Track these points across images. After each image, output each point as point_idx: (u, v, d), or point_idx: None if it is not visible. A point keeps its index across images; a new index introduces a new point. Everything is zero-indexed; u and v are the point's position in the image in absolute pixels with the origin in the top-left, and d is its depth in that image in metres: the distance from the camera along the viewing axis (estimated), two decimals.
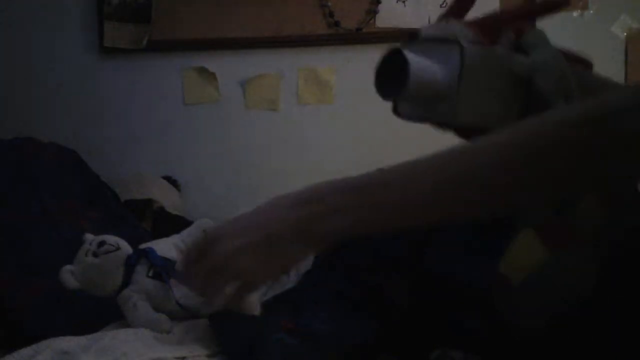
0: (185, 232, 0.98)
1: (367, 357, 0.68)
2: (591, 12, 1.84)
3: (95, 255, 0.87)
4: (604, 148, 0.47)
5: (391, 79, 0.65)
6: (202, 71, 1.91)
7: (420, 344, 0.68)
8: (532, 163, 0.49)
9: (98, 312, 0.93)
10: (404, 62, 0.63)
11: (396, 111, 0.72)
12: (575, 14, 1.85)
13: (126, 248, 0.92)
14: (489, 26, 0.73)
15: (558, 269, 0.59)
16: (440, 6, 1.84)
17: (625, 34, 1.83)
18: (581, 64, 0.72)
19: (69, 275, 0.86)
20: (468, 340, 0.66)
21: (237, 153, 1.93)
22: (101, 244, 0.89)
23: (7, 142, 1.31)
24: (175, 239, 0.96)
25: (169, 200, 1.70)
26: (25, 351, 0.65)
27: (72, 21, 1.92)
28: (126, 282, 0.90)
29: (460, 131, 0.72)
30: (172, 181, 1.85)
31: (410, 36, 0.70)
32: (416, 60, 0.64)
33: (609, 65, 1.84)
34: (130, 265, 0.90)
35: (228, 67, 1.91)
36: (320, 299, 0.60)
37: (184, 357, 0.61)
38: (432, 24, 0.72)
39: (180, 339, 0.68)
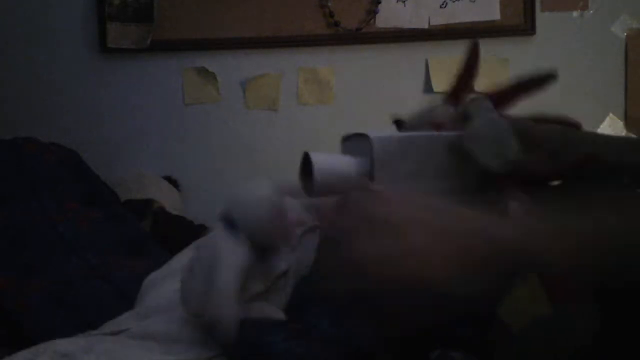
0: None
1: (367, 358, 0.68)
2: (591, 12, 1.84)
3: None
4: None
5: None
6: (202, 71, 1.91)
7: (420, 344, 0.68)
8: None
9: (98, 312, 0.93)
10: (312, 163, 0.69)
11: None
12: (575, 14, 1.85)
13: None
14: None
15: (560, 320, 0.59)
16: (440, 6, 1.84)
17: (625, 34, 1.84)
18: (564, 124, 0.73)
19: None
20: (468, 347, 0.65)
21: (237, 153, 1.93)
22: None
23: (7, 142, 1.30)
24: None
25: (169, 200, 1.70)
26: (25, 353, 0.65)
27: (72, 21, 1.92)
28: None
29: None
30: (172, 181, 1.85)
31: (397, 123, 0.74)
32: (322, 159, 0.72)
33: (609, 65, 1.84)
34: None
35: (228, 67, 1.91)
36: (322, 300, 0.60)
37: None
38: (417, 110, 0.76)
39: (181, 340, 0.68)
